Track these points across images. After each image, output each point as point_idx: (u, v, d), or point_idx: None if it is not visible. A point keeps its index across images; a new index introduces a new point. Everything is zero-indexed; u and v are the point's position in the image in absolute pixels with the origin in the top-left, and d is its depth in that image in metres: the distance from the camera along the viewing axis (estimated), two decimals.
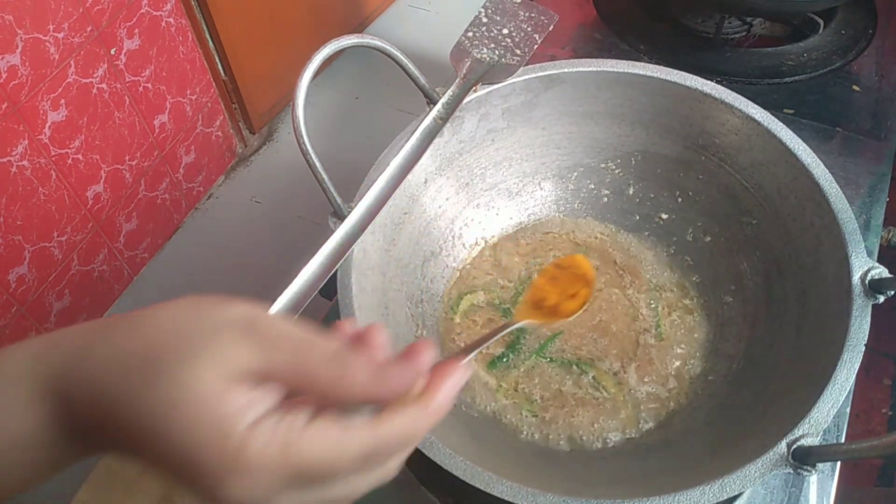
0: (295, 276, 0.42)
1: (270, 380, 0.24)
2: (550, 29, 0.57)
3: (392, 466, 0.27)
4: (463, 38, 0.57)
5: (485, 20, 0.58)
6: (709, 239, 0.61)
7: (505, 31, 0.57)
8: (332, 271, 0.44)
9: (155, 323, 0.24)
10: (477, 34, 0.57)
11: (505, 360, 0.57)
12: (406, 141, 0.51)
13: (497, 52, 0.56)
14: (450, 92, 0.53)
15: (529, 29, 0.57)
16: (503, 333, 0.42)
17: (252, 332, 0.24)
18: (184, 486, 0.23)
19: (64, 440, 0.25)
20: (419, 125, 0.51)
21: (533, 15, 0.58)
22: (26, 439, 0.24)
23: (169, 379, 0.23)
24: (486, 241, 0.64)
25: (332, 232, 0.45)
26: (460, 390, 0.27)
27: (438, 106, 0.53)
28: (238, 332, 0.24)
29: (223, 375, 0.23)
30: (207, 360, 0.23)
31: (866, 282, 0.45)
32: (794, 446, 0.39)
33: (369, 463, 0.25)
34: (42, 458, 0.25)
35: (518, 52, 0.56)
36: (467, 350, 0.35)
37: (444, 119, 0.52)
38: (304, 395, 0.25)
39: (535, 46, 0.57)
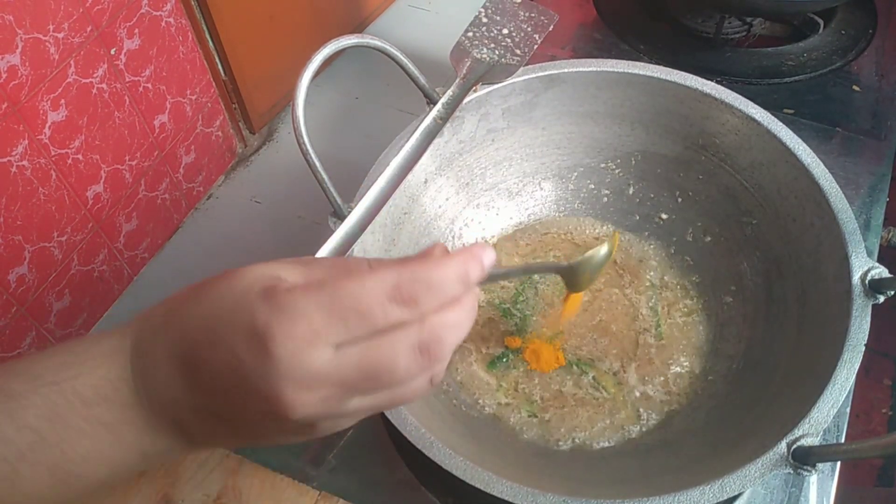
0: None
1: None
2: (550, 29, 0.57)
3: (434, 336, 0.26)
4: (463, 38, 0.57)
5: (485, 20, 0.58)
6: (709, 239, 0.61)
7: (505, 31, 0.57)
8: None
9: (217, 292, 0.27)
10: (477, 34, 0.57)
11: (505, 359, 0.57)
12: (406, 141, 0.51)
13: (497, 52, 0.56)
14: (450, 92, 0.53)
15: (529, 29, 0.57)
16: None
17: (302, 263, 0.28)
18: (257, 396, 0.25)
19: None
20: (419, 125, 0.51)
21: (533, 15, 0.58)
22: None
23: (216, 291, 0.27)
24: (486, 241, 0.64)
25: (332, 232, 0.45)
26: (484, 267, 0.27)
27: (438, 106, 0.53)
28: (274, 269, 0.27)
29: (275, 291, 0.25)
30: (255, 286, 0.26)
31: (866, 282, 0.45)
32: (794, 446, 0.39)
33: (401, 298, 0.25)
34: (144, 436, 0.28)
35: (518, 52, 0.56)
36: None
37: (444, 119, 0.52)
38: None
39: (535, 46, 0.57)
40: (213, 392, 0.26)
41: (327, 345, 0.24)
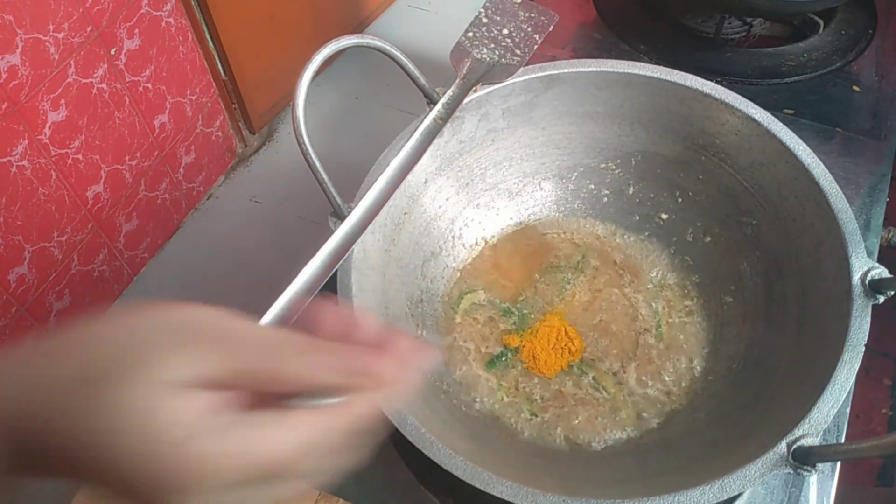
0: (295, 276, 0.42)
1: (225, 383, 0.23)
2: (550, 29, 0.57)
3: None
4: (463, 38, 0.57)
5: (485, 20, 0.58)
6: (709, 239, 0.61)
7: (505, 31, 0.57)
8: (332, 271, 0.44)
9: (96, 338, 0.23)
10: (477, 34, 0.57)
11: (504, 359, 0.57)
12: (406, 141, 0.51)
13: (497, 53, 0.56)
14: (450, 92, 0.53)
15: (529, 29, 0.57)
16: None
17: (203, 335, 0.23)
18: None
19: (7, 471, 0.23)
20: (419, 125, 0.51)
21: (533, 15, 0.58)
22: None
23: (106, 397, 0.22)
24: (486, 241, 0.64)
25: (332, 232, 0.45)
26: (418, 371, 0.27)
27: (438, 106, 0.53)
28: (185, 338, 0.23)
29: (162, 384, 0.22)
30: (145, 370, 0.22)
31: (866, 282, 0.45)
32: (795, 446, 0.39)
33: (316, 452, 0.24)
34: None
35: (518, 52, 0.56)
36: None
37: (444, 119, 0.52)
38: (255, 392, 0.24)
39: (536, 47, 0.57)
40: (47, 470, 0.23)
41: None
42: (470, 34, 0.57)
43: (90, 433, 0.22)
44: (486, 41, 0.57)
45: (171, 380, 0.22)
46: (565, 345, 0.57)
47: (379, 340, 0.27)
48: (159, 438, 0.22)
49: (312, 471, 0.25)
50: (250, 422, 0.23)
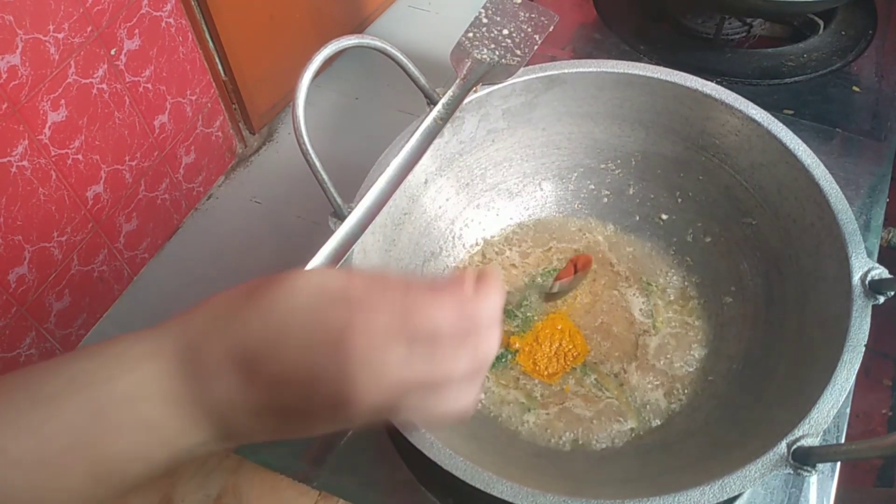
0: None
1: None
2: (551, 30, 0.57)
3: (483, 349, 0.30)
4: (463, 38, 0.57)
5: (485, 21, 0.58)
6: (709, 239, 0.61)
7: (505, 31, 0.57)
8: None
9: (276, 290, 0.29)
10: (477, 35, 0.57)
11: (504, 360, 0.57)
12: (406, 141, 0.51)
13: (497, 53, 0.56)
14: (450, 92, 0.54)
15: (529, 29, 0.57)
16: None
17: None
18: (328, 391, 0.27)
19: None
20: (419, 125, 0.52)
21: (533, 16, 0.58)
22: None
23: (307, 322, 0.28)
24: (486, 242, 0.64)
25: (332, 232, 0.45)
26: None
27: (438, 106, 0.53)
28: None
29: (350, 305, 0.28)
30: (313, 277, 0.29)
31: (866, 282, 0.45)
32: (795, 447, 0.39)
33: (463, 329, 0.29)
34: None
35: (518, 52, 0.56)
36: None
37: (444, 119, 0.52)
38: None
39: (536, 47, 0.57)
40: (277, 391, 0.28)
41: (398, 351, 0.27)
42: (470, 34, 0.57)
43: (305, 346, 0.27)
44: (487, 41, 0.57)
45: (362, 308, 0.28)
46: (568, 350, 0.57)
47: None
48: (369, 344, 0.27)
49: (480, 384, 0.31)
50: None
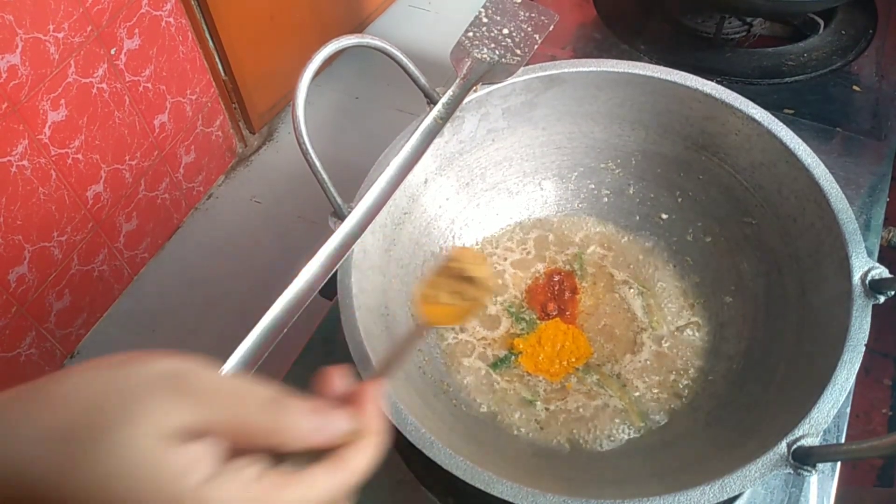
0: (295, 276, 0.42)
1: (209, 434, 0.23)
2: (551, 29, 0.57)
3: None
4: (463, 38, 0.57)
5: (485, 20, 0.58)
6: (709, 239, 0.61)
7: (505, 31, 0.57)
8: (332, 271, 0.44)
9: (73, 392, 0.22)
10: (477, 34, 0.57)
11: (507, 362, 0.57)
12: (406, 141, 0.51)
13: (497, 52, 0.56)
14: (450, 92, 0.53)
15: (530, 29, 0.57)
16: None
17: (180, 387, 0.23)
18: None
19: None
20: (419, 125, 0.51)
21: (533, 15, 0.58)
22: None
23: (101, 451, 0.21)
24: (486, 241, 0.64)
25: (332, 232, 0.45)
26: (383, 405, 0.28)
27: (438, 106, 0.53)
28: (165, 390, 0.22)
29: (158, 436, 0.22)
30: (138, 422, 0.21)
31: (866, 282, 0.45)
32: (795, 446, 0.39)
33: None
34: None
35: (518, 52, 0.56)
36: (386, 366, 0.33)
37: (444, 119, 0.52)
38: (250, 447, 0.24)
39: (536, 46, 0.57)
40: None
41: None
42: (470, 34, 0.57)
43: (84, 486, 0.21)
44: (486, 41, 0.57)
45: (165, 430, 0.22)
46: (571, 351, 0.57)
47: (346, 394, 0.28)
48: (160, 489, 0.21)
49: None
50: (270, 476, 0.23)
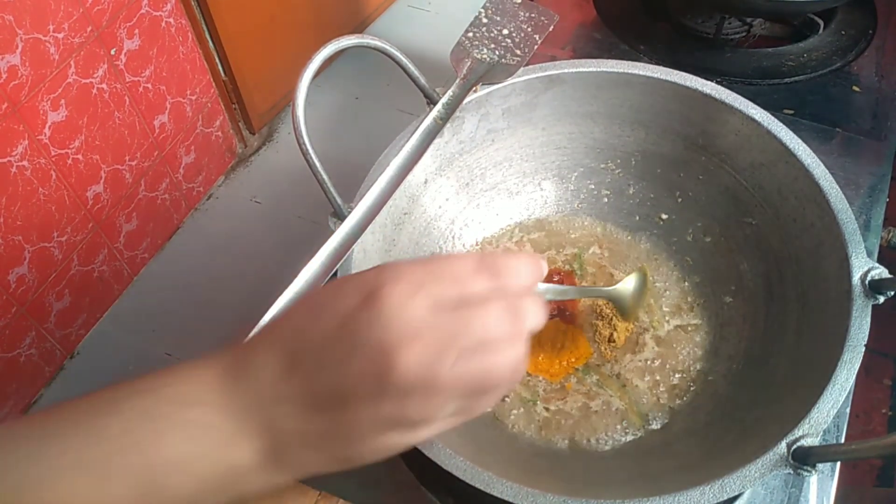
0: (295, 276, 0.42)
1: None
2: (550, 29, 0.57)
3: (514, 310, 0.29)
4: (463, 38, 0.57)
5: (485, 20, 0.58)
6: (709, 239, 0.61)
7: (505, 31, 0.57)
8: (333, 271, 0.44)
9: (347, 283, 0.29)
10: (477, 34, 0.57)
11: None
12: (406, 141, 0.51)
13: (497, 53, 0.56)
14: (450, 92, 0.53)
15: (529, 29, 0.57)
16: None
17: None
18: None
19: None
20: (419, 125, 0.51)
21: (533, 15, 0.58)
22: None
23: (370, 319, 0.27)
24: (485, 241, 0.64)
25: (332, 232, 0.45)
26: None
27: (438, 106, 0.53)
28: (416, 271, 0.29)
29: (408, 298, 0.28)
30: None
31: (866, 282, 0.45)
32: (794, 446, 0.39)
33: (486, 272, 0.29)
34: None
35: (518, 52, 0.56)
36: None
37: (444, 119, 0.52)
38: None
39: (536, 47, 0.57)
40: (317, 367, 0.28)
41: (427, 298, 0.27)
42: (470, 34, 0.57)
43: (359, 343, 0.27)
44: (486, 41, 0.57)
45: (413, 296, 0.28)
46: (570, 351, 0.57)
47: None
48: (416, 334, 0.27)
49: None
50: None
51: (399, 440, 0.29)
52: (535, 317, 0.30)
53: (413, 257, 0.59)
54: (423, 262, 0.29)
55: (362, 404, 0.27)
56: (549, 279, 0.61)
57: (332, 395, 0.27)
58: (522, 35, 0.57)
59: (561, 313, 0.59)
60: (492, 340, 0.28)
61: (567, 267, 0.62)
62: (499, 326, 0.28)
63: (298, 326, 0.29)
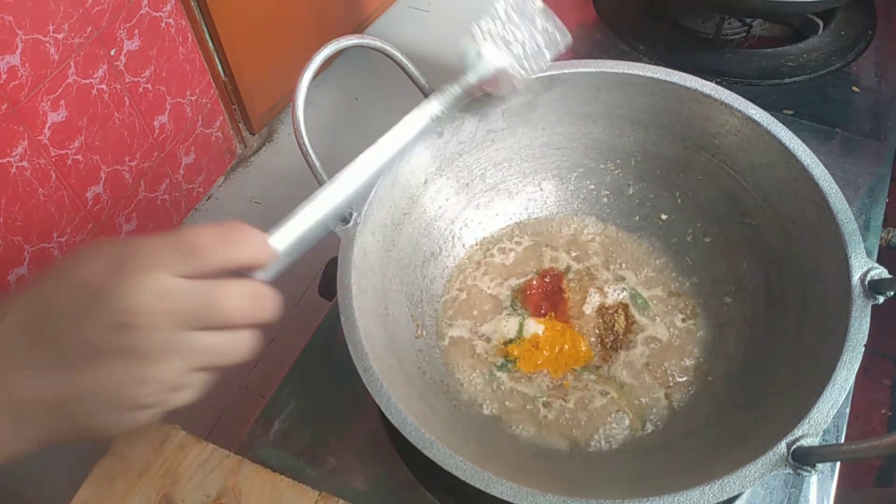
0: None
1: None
2: (562, 50, 0.55)
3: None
4: (477, 28, 0.54)
5: (503, 16, 0.55)
6: (708, 240, 0.61)
7: (519, 36, 0.55)
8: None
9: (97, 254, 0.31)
10: (492, 29, 0.54)
11: (503, 368, 0.57)
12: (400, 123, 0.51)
13: (506, 60, 0.54)
14: (450, 91, 0.53)
15: (542, 43, 0.55)
16: None
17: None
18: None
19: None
20: (412, 115, 0.52)
21: (549, 28, 0.56)
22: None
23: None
24: (485, 241, 0.64)
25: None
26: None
27: (439, 106, 0.53)
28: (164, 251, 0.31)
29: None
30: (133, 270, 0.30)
31: (866, 282, 0.45)
32: (794, 447, 0.39)
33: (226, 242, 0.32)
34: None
35: (526, 65, 0.54)
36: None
37: (442, 120, 0.52)
38: None
39: (545, 66, 0.54)
40: (60, 332, 0.29)
41: (172, 271, 0.30)
42: (484, 25, 0.54)
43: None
44: (498, 40, 0.54)
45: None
46: (570, 355, 0.57)
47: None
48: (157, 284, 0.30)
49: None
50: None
51: (137, 415, 0.31)
52: (272, 303, 0.33)
53: (413, 257, 0.59)
54: (168, 236, 0.31)
55: (104, 368, 0.29)
56: (541, 279, 0.61)
57: (75, 357, 0.29)
58: (535, 48, 0.55)
59: (558, 312, 0.59)
60: (228, 318, 0.31)
61: (566, 267, 0.62)
62: (236, 305, 0.31)
63: (45, 295, 0.30)
